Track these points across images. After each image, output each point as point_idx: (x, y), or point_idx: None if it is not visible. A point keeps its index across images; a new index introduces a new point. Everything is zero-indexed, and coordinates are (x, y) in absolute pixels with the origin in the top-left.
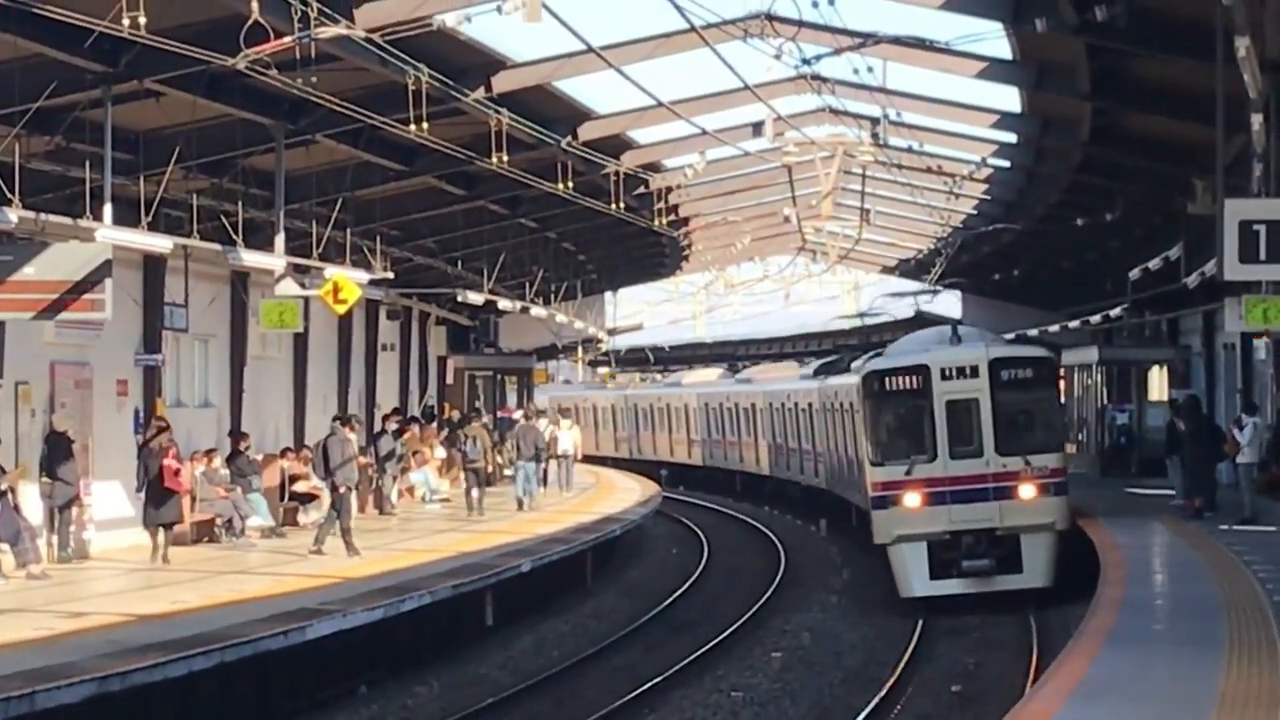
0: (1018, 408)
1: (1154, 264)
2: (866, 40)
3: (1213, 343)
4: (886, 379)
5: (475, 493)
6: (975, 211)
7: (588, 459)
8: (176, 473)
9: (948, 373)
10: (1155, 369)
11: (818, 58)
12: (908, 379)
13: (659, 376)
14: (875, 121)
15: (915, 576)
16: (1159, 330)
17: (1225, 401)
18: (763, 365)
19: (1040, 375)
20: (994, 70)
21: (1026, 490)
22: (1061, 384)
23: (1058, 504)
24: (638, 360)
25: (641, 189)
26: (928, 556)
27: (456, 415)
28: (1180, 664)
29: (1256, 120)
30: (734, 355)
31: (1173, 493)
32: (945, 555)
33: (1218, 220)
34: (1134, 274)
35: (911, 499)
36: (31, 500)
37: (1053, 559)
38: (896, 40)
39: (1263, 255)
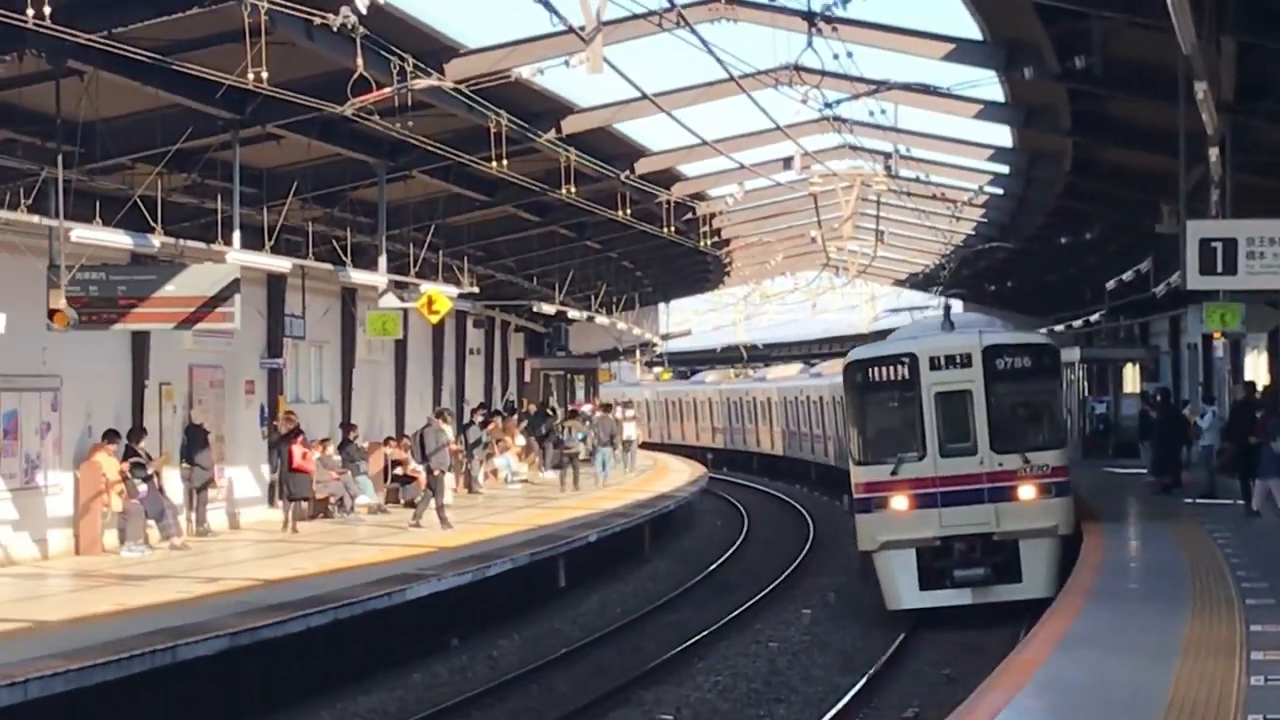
0: (1015, 400)
1: (1127, 276)
2: (880, 87)
3: (1178, 343)
4: (870, 369)
5: (570, 472)
6: (974, 232)
7: (688, 451)
8: (304, 456)
9: (937, 362)
10: (1129, 366)
11: (838, 102)
12: (893, 369)
13: (752, 372)
14: (888, 156)
15: (904, 587)
16: (1132, 333)
17: (1190, 394)
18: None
19: (1040, 364)
20: (989, 111)
21: (1026, 491)
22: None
23: (1060, 506)
24: (684, 360)
25: (689, 215)
26: (917, 565)
27: (533, 409)
28: (1151, 618)
29: (1213, 153)
30: (768, 356)
31: (1144, 471)
32: (936, 564)
33: (1181, 239)
34: (1110, 285)
35: (898, 502)
36: (174, 483)
37: (1055, 566)
38: (906, 87)
39: (1219, 268)
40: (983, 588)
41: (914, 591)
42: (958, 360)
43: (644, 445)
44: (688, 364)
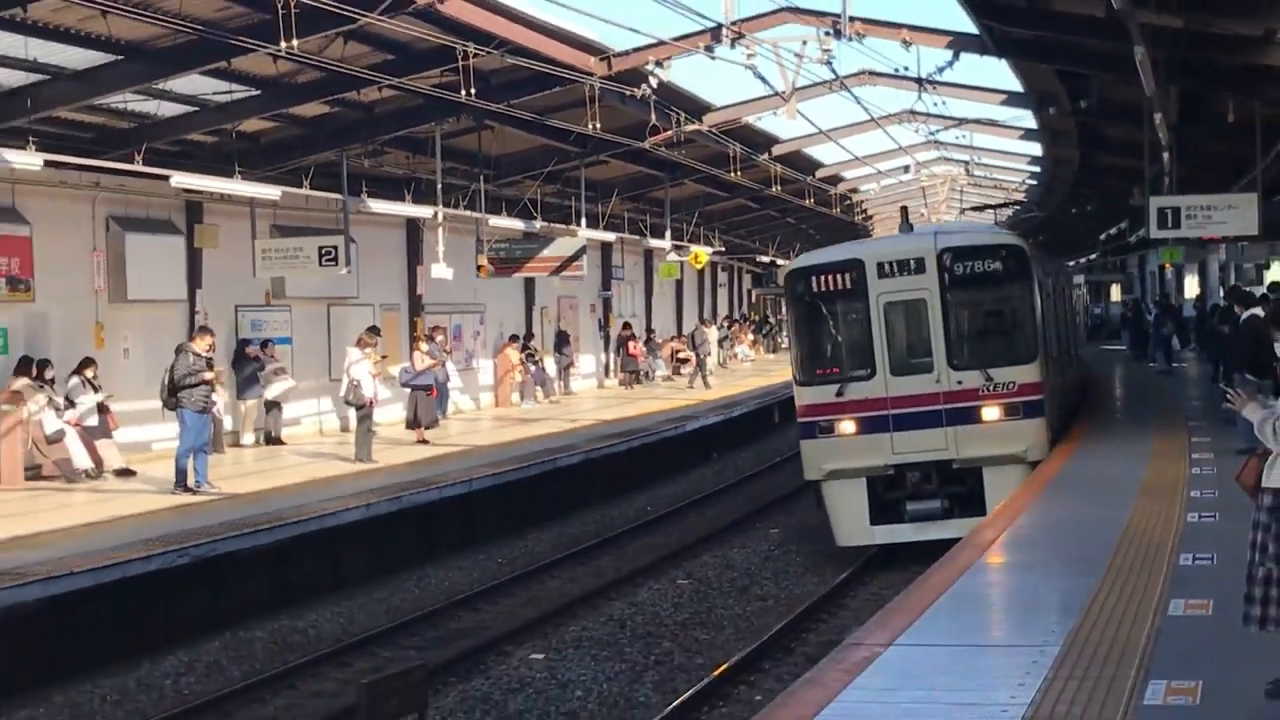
0: (977, 309)
1: (1113, 231)
2: (962, 122)
3: (1144, 270)
4: (813, 278)
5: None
6: (1020, 206)
7: None
8: (634, 348)
9: (887, 268)
10: (1114, 285)
11: (937, 131)
12: (837, 278)
13: None
14: (967, 163)
15: (852, 521)
16: (1116, 265)
17: (1149, 302)
18: None
19: (1006, 268)
20: (1028, 134)
21: (989, 412)
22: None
23: (1030, 429)
24: None
25: (848, 201)
26: (867, 497)
27: (757, 318)
28: (1132, 435)
29: (1166, 156)
30: None
31: (1124, 348)
32: (889, 495)
33: (1146, 207)
34: (1102, 236)
35: (845, 426)
36: (550, 364)
37: None
38: (977, 121)
39: (1170, 225)
40: (942, 521)
41: (864, 526)
42: (910, 266)
43: None
44: None
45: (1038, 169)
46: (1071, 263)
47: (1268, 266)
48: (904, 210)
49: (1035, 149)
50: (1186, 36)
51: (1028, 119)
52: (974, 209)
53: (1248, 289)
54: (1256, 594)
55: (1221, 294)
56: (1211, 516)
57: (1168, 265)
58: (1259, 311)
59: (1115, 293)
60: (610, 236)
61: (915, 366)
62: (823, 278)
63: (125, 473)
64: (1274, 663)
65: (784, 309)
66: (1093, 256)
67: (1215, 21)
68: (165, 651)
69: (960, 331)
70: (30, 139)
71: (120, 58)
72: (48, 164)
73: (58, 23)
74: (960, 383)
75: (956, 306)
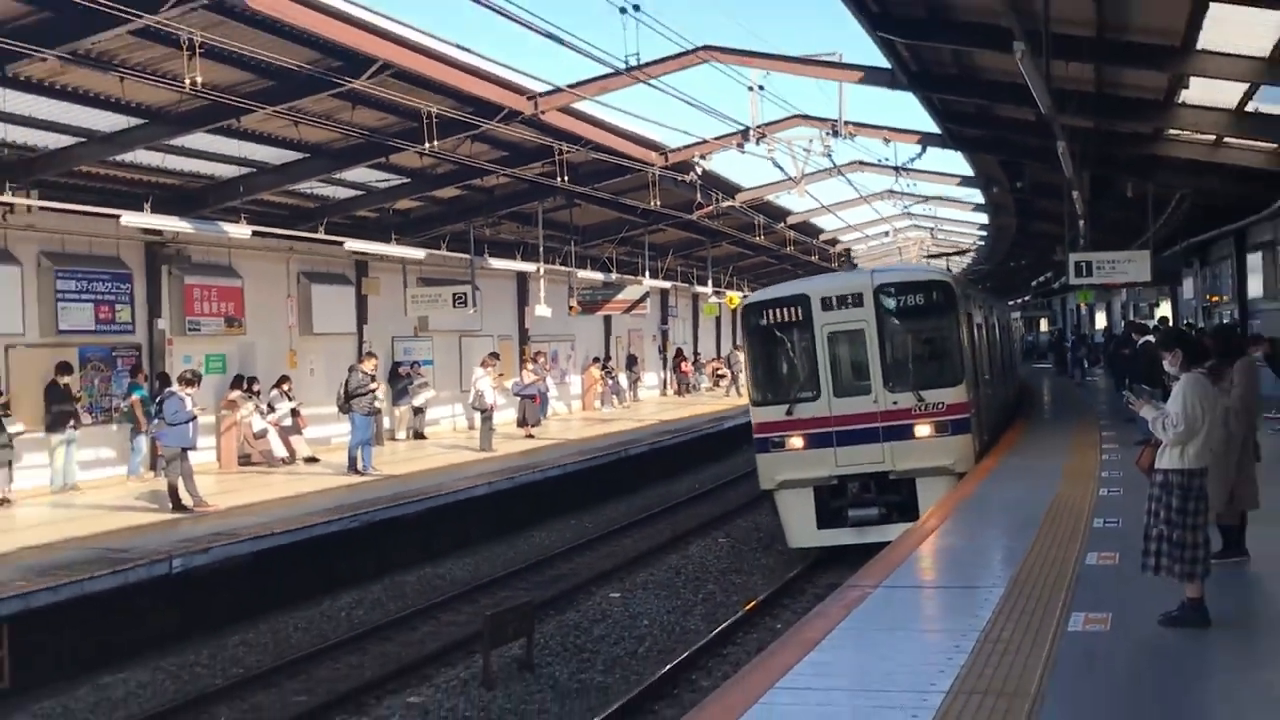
0: (910, 338)
1: (1042, 278)
2: (928, 198)
3: (1065, 308)
4: (765, 311)
5: None
6: (971, 260)
7: None
8: (684, 367)
9: (830, 302)
10: (1043, 319)
11: (910, 205)
12: (787, 311)
13: None
14: (933, 229)
15: (802, 526)
16: (1044, 304)
17: (1069, 331)
18: None
19: (935, 302)
20: (978, 207)
21: (921, 429)
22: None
23: (957, 444)
24: None
25: (843, 258)
26: (815, 504)
27: None
28: (1058, 429)
29: (1081, 223)
30: None
31: (1050, 367)
32: (834, 503)
33: (1067, 261)
34: (1034, 282)
35: (794, 442)
36: (623, 379)
37: None
38: (939, 198)
39: (1084, 274)
40: (880, 526)
41: (812, 530)
42: (849, 300)
43: None
44: None
45: (985, 233)
46: (1010, 302)
47: (1157, 305)
48: (846, 252)
49: (983, 218)
50: (1096, 134)
51: (977, 196)
52: (932, 256)
53: (1142, 321)
54: (1151, 549)
55: (1123, 325)
56: (1118, 491)
57: (1083, 304)
58: (1151, 338)
59: (1044, 324)
60: (667, 285)
61: (856, 389)
62: (774, 310)
63: (311, 460)
64: (1164, 599)
65: (740, 338)
66: (1027, 298)
67: (1118, 123)
68: (341, 592)
69: (895, 358)
70: (242, 215)
71: (308, 155)
72: (255, 233)
73: (262, 130)
74: (896, 403)
75: (891, 335)
